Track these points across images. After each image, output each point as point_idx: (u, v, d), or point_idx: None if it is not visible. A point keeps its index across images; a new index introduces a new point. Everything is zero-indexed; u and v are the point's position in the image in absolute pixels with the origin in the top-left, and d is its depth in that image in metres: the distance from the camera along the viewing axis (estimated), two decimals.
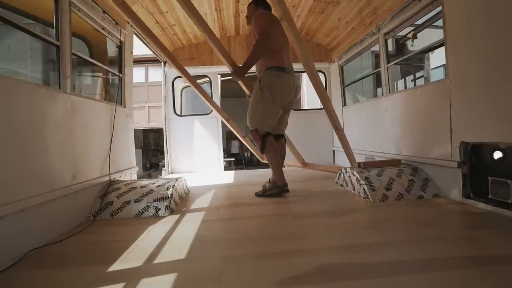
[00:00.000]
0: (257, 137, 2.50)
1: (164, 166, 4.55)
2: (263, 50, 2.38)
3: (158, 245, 1.49)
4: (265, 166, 3.58)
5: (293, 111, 4.68)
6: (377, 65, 3.54)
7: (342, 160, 4.44)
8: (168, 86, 4.51)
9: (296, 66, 4.82)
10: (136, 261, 1.32)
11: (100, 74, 3.20)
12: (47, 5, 1.98)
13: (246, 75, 2.62)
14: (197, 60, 4.48)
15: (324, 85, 4.89)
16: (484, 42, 1.82)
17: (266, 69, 2.45)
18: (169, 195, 2.15)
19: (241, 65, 2.52)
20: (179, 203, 2.35)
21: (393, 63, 3.14)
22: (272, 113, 2.52)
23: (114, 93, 2.89)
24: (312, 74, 2.66)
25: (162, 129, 4.55)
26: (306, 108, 8.21)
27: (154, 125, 10.13)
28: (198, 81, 5.86)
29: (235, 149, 9.09)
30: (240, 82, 2.81)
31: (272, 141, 2.51)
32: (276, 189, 2.49)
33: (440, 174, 2.25)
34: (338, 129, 2.87)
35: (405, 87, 7.32)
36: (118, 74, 2.87)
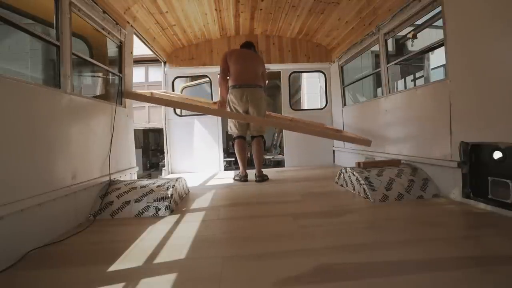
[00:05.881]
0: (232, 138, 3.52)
1: (164, 166, 4.55)
2: (220, 83, 3.46)
3: (158, 245, 1.49)
4: (265, 166, 3.60)
5: (293, 111, 4.74)
6: (377, 65, 3.54)
7: (342, 160, 4.45)
8: (168, 86, 4.51)
9: (296, 66, 4.84)
10: (136, 261, 1.32)
11: (100, 74, 3.20)
12: (47, 5, 1.98)
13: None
14: (197, 60, 4.48)
15: (324, 85, 4.90)
16: (484, 42, 1.82)
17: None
18: (169, 195, 2.15)
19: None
20: (179, 203, 2.35)
21: (393, 63, 3.14)
22: (235, 121, 3.38)
23: (114, 93, 2.89)
24: None
25: (162, 129, 4.55)
26: (306, 108, 8.22)
27: (154, 125, 10.12)
28: (198, 81, 5.86)
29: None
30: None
31: (240, 142, 3.41)
32: (239, 178, 3.44)
33: (440, 174, 2.25)
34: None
35: (405, 87, 7.33)
36: (118, 74, 2.87)
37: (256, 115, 3.31)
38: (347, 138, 3.62)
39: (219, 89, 3.44)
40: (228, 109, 3.39)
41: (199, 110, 3.99)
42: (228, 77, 3.38)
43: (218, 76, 3.45)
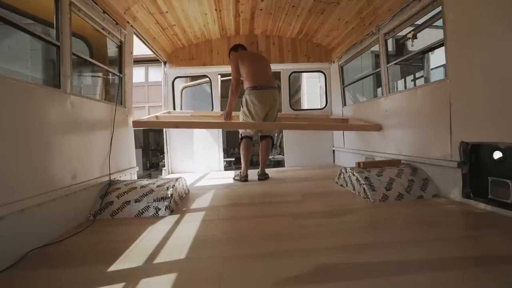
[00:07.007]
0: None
1: (164, 166, 4.55)
2: (233, 92, 3.38)
3: (158, 245, 1.49)
4: (266, 166, 3.61)
5: (293, 111, 4.74)
6: (377, 65, 3.54)
7: (342, 160, 4.45)
8: (168, 86, 4.51)
9: (296, 66, 4.86)
10: (136, 261, 1.32)
11: (100, 74, 3.21)
12: (47, 5, 1.98)
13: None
14: (197, 60, 4.49)
15: (324, 85, 4.90)
16: (484, 42, 1.82)
17: (245, 90, 3.33)
18: (169, 195, 2.15)
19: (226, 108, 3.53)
20: (179, 203, 2.35)
21: (393, 63, 3.14)
22: (248, 122, 3.37)
23: (114, 93, 2.89)
24: None
25: (162, 129, 4.55)
26: (306, 108, 8.21)
27: None
28: (198, 81, 5.87)
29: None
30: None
31: (248, 142, 3.46)
32: (239, 178, 3.46)
33: (440, 174, 2.25)
34: None
35: (405, 87, 7.32)
36: (118, 74, 2.88)
37: (273, 117, 3.40)
38: (354, 127, 3.68)
39: (229, 98, 3.38)
40: (245, 110, 3.34)
41: (208, 126, 4.11)
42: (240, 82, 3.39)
43: (230, 85, 3.37)
